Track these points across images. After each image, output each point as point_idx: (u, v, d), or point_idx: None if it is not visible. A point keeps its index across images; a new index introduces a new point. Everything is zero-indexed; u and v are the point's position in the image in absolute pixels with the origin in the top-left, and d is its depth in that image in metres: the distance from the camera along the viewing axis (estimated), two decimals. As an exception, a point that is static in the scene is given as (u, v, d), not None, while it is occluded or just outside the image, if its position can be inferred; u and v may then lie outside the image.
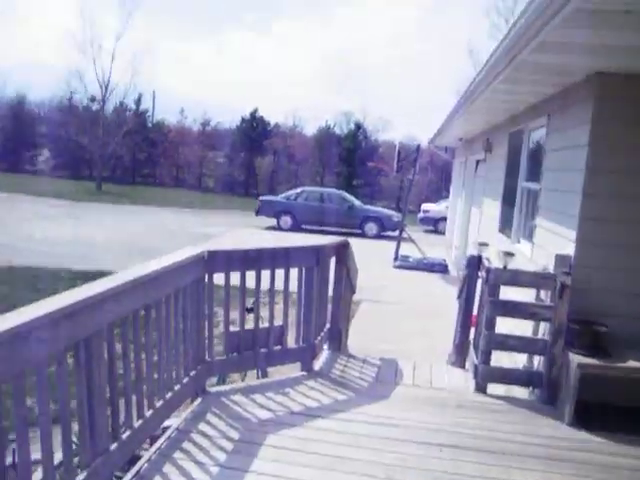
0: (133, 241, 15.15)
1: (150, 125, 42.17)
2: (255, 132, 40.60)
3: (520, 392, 4.84)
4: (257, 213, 21.45)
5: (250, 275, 4.28)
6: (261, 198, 22.49)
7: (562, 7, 2.95)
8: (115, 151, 36.71)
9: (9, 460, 2.38)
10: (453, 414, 4.19)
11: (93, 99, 37.57)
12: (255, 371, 5.09)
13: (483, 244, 5.68)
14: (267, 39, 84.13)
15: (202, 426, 3.66)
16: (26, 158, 42.22)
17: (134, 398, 3.20)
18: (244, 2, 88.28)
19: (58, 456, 2.53)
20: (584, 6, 2.83)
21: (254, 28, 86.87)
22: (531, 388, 4.80)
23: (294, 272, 4.59)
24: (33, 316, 2.21)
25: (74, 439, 2.73)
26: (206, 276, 4.04)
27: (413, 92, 77.56)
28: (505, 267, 4.81)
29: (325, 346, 5.38)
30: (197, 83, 78.48)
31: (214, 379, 4.79)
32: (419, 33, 79.70)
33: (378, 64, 78.73)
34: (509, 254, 4.92)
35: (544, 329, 4.65)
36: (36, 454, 2.33)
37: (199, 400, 4.05)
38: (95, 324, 2.68)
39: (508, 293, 4.79)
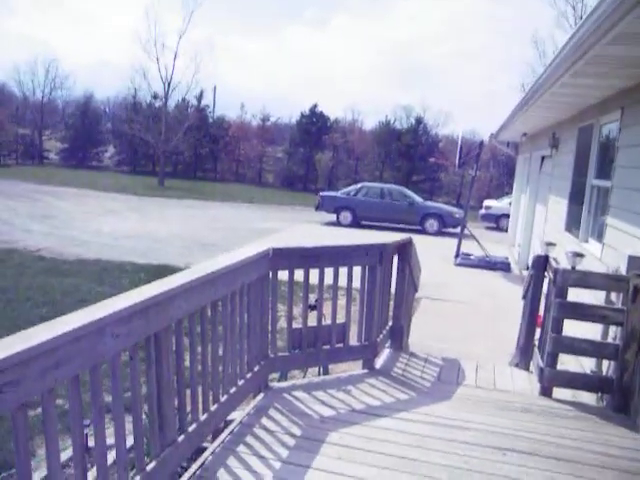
0: (195, 236, 15.44)
1: (211, 121, 42.71)
2: (315, 127, 40.56)
3: (588, 397, 4.68)
4: (317, 208, 21.45)
5: (313, 272, 4.29)
6: (321, 194, 22.46)
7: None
8: (177, 147, 37.34)
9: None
10: (517, 417, 4.10)
11: (156, 96, 38.29)
12: (316, 368, 5.11)
13: (550, 244, 5.52)
14: (325, 34, 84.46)
15: (265, 421, 3.71)
16: (92, 154, 43.75)
17: (200, 392, 3.27)
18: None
19: (129, 442, 2.62)
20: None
21: (313, 23, 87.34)
22: (600, 394, 4.64)
23: (357, 269, 4.57)
24: (109, 312, 2.28)
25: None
26: (270, 273, 4.08)
27: (475, 84, 76.29)
28: (574, 268, 4.66)
29: (386, 344, 5.35)
30: (256, 78, 79.46)
31: (275, 375, 4.84)
32: (480, 24, 78.31)
33: (438, 57, 77.88)
34: (578, 255, 4.76)
35: (615, 333, 4.48)
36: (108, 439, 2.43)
37: (262, 395, 4.10)
38: (165, 320, 2.75)
39: (573, 294, 4.64)
